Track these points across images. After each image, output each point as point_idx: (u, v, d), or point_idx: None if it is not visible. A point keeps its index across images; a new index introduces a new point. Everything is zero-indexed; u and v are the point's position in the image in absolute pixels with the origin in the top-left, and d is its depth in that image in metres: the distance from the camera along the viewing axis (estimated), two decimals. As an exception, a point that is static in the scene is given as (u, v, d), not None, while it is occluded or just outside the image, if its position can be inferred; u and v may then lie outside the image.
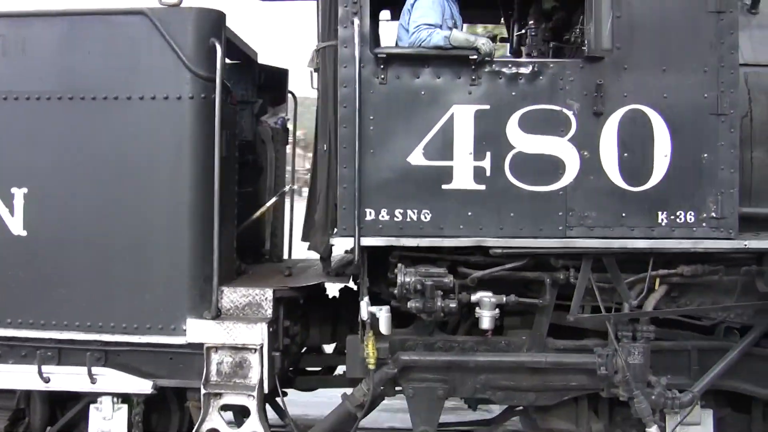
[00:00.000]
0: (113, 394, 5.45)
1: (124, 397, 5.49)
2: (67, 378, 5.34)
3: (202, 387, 5.18)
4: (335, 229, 5.00)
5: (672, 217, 4.88)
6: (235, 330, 5.18)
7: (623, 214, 4.89)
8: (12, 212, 5.27)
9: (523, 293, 5.21)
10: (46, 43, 5.25)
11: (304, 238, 5.45)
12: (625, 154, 4.87)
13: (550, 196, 4.90)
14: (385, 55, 4.84)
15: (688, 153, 4.87)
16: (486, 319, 5.03)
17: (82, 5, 5.41)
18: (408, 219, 4.90)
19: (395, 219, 4.90)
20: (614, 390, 5.14)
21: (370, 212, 4.88)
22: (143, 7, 5.18)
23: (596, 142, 4.87)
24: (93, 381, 5.29)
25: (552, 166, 4.89)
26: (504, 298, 5.05)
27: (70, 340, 5.30)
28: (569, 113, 4.86)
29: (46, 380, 5.32)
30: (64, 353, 5.37)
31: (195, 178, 5.19)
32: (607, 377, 5.10)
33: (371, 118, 4.87)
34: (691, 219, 4.88)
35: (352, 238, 4.83)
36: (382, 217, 4.90)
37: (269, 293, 5.33)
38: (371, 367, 5.02)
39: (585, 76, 4.87)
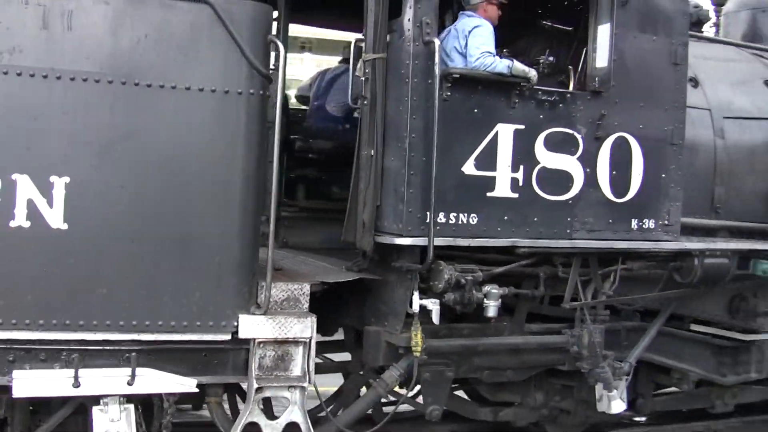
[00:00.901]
0: (120, 396, 5.20)
1: (128, 398, 5.27)
2: (101, 381, 4.98)
3: (254, 381, 5.23)
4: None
5: (641, 223, 6.11)
6: (287, 324, 5.29)
7: (610, 221, 6.00)
8: (51, 203, 4.76)
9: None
10: (96, 20, 4.80)
11: (346, 237, 5.69)
12: (614, 172, 5.98)
13: (561, 205, 5.83)
14: (458, 75, 5.36)
15: (653, 173, 6.12)
16: (492, 308, 5.80)
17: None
18: (460, 222, 5.50)
19: (450, 222, 5.47)
20: (579, 363, 6.26)
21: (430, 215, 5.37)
22: (205, -5, 5.02)
23: (595, 161, 5.92)
24: (130, 382, 5.02)
25: (564, 180, 5.83)
26: (506, 290, 5.88)
27: (99, 340, 4.96)
28: (579, 136, 5.84)
29: (77, 385, 4.93)
30: (87, 355, 4.99)
31: (247, 175, 5.17)
32: (578, 353, 6.21)
33: (435, 129, 5.35)
34: (652, 225, 6.16)
35: (425, 239, 5.30)
36: (440, 219, 5.43)
37: (306, 288, 5.49)
38: (417, 354, 5.51)
39: (591, 106, 5.88)
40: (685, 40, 6.22)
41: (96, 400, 5.15)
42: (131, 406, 5.23)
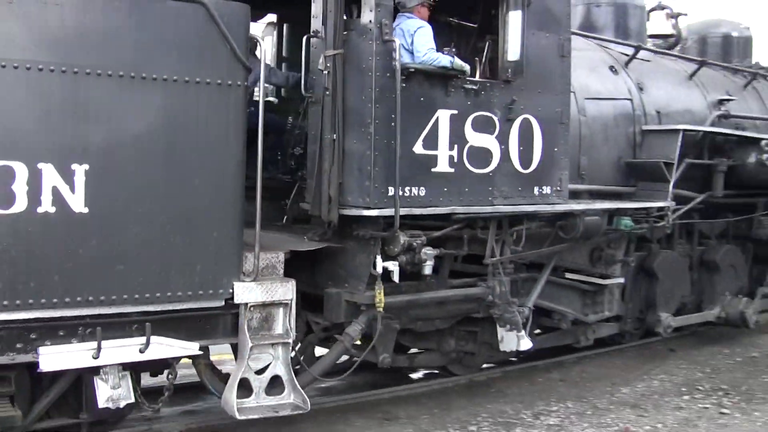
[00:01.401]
0: (119, 364, 5.67)
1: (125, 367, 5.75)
2: (116, 350, 5.44)
3: (248, 341, 5.87)
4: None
5: (541, 190, 7.34)
6: (273, 288, 5.97)
7: (519, 188, 7.17)
8: (73, 189, 5.14)
9: None
10: (107, 20, 5.21)
11: (313, 210, 6.41)
12: (521, 148, 7.15)
13: (485, 177, 6.92)
14: (413, 69, 6.26)
15: (548, 148, 7.36)
16: (428, 266, 6.80)
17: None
18: (412, 194, 6.43)
19: (405, 194, 6.38)
20: (492, 310, 7.42)
21: (391, 189, 6.26)
22: (197, -4, 5.53)
23: (508, 139, 7.05)
24: (142, 350, 5.50)
25: (486, 155, 6.91)
26: (439, 251, 6.90)
27: (114, 314, 5.41)
28: (496, 118, 6.94)
29: (96, 356, 5.35)
30: (104, 328, 5.40)
31: (236, 158, 5.77)
32: (492, 302, 7.36)
33: (392, 116, 6.22)
34: (548, 191, 7.41)
35: (391, 209, 6.19)
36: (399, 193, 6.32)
37: (281, 256, 6.20)
38: (380, 309, 6.40)
39: (504, 93, 6.99)
40: (569, 36, 7.51)
41: (95, 371, 5.61)
42: (128, 373, 5.73)
